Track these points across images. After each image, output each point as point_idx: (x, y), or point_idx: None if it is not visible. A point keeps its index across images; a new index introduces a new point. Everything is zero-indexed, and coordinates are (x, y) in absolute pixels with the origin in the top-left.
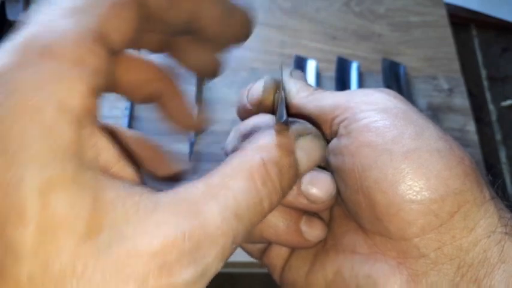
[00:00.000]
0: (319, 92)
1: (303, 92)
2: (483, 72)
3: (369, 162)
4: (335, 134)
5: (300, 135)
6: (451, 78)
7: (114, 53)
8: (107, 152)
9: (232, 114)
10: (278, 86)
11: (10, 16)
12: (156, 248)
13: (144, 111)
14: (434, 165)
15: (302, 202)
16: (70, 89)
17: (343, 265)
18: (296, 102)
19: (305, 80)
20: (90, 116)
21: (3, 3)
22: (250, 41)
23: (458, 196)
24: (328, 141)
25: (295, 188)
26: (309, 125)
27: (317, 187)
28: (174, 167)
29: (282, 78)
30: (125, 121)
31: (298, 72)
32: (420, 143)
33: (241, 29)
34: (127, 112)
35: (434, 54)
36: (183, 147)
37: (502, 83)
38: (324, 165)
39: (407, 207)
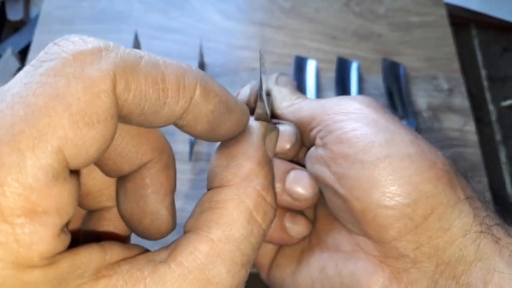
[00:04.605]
0: (298, 102)
1: (284, 102)
2: (483, 72)
3: (343, 171)
4: (313, 143)
5: (265, 135)
6: (451, 78)
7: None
8: (97, 259)
9: None
10: (267, 93)
11: (10, 16)
12: None
13: None
14: (406, 170)
15: (286, 199)
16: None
17: (327, 263)
18: (279, 113)
19: (292, 85)
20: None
21: (3, 3)
22: (250, 41)
23: (430, 199)
24: (307, 149)
25: (279, 185)
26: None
27: (301, 185)
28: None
29: (260, 71)
30: None
31: (283, 78)
32: (390, 150)
33: (233, 128)
34: None
35: (434, 54)
36: (183, 147)
37: (502, 83)
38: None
39: (383, 212)
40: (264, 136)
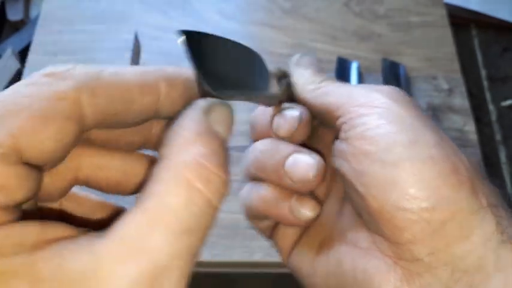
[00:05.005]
0: (324, 85)
1: (309, 85)
2: (483, 72)
3: (362, 169)
4: (338, 133)
5: (207, 108)
6: (451, 78)
7: (40, 166)
8: (29, 230)
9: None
10: (282, 74)
11: (10, 16)
12: None
13: None
14: (427, 174)
15: (287, 182)
16: None
17: (344, 257)
18: (303, 98)
19: (315, 66)
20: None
21: (3, 3)
22: (251, 41)
23: (451, 205)
24: (334, 137)
25: (280, 168)
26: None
27: (299, 167)
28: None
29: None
30: None
31: (306, 59)
32: (413, 152)
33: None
34: None
35: (434, 54)
36: None
37: (502, 83)
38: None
39: (400, 215)
40: (206, 109)
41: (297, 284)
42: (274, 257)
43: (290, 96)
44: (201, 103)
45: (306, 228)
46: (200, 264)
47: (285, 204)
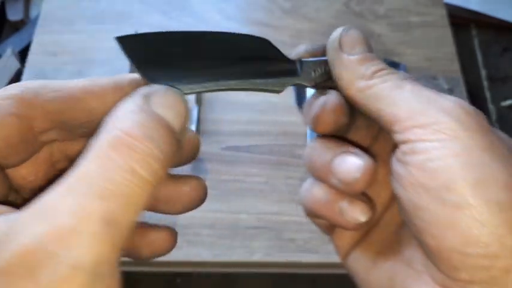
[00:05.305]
0: (376, 84)
1: (357, 82)
2: (483, 72)
3: (421, 203)
4: (393, 147)
5: (150, 95)
6: (451, 78)
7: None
8: None
9: (232, 114)
10: (319, 52)
11: (10, 16)
12: (14, 260)
13: None
14: (491, 220)
15: (334, 182)
16: None
17: (397, 274)
18: (351, 96)
19: (363, 45)
20: None
21: (3, 3)
22: None
23: None
24: (392, 145)
25: (329, 167)
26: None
27: (345, 168)
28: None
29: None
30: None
31: (351, 36)
32: (478, 193)
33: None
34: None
35: (434, 54)
36: None
37: (502, 83)
38: None
39: (457, 257)
40: (146, 94)
41: (296, 284)
42: (274, 257)
43: (328, 85)
44: (141, 90)
45: (364, 232)
46: (200, 264)
47: (336, 205)
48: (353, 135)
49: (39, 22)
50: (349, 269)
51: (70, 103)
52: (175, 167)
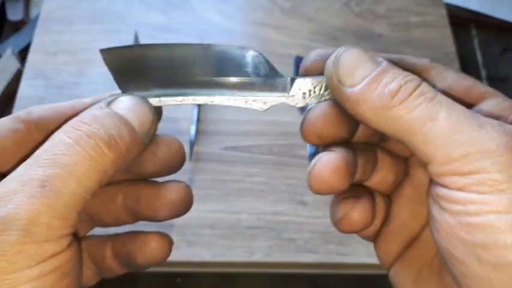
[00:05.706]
0: (404, 115)
1: (374, 115)
2: (483, 72)
3: (457, 254)
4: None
5: (115, 100)
6: None
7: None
8: None
9: (232, 114)
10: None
11: (10, 16)
12: None
13: None
14: None
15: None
16: None
17: None
18: (363, 119)
19: (366, 64)
20: None
21: (3, 3)
22: (250, 41)
23: None
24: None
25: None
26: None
27: (316, 166)
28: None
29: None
30: None
31: (346, 61)
32: None
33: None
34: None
35: (434, 54)
36: None
37: (502, 83)
38: None
39: None
40: (110, 98)
41: (296, 284)
42: (274, 257)
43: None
44: (108, 97)
45: (408, 245)
46: (200, 264)
47: (339, 204)
48: (391, 145)
49: (39, 22)
50: (392, 281)
51: (59, 118)
52: (157, 176)
